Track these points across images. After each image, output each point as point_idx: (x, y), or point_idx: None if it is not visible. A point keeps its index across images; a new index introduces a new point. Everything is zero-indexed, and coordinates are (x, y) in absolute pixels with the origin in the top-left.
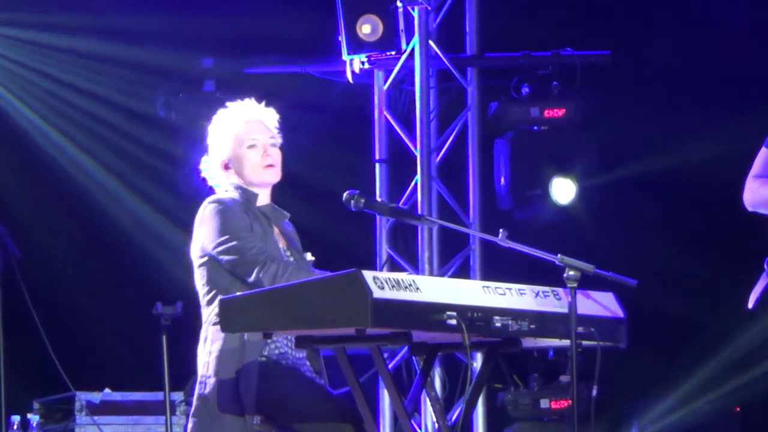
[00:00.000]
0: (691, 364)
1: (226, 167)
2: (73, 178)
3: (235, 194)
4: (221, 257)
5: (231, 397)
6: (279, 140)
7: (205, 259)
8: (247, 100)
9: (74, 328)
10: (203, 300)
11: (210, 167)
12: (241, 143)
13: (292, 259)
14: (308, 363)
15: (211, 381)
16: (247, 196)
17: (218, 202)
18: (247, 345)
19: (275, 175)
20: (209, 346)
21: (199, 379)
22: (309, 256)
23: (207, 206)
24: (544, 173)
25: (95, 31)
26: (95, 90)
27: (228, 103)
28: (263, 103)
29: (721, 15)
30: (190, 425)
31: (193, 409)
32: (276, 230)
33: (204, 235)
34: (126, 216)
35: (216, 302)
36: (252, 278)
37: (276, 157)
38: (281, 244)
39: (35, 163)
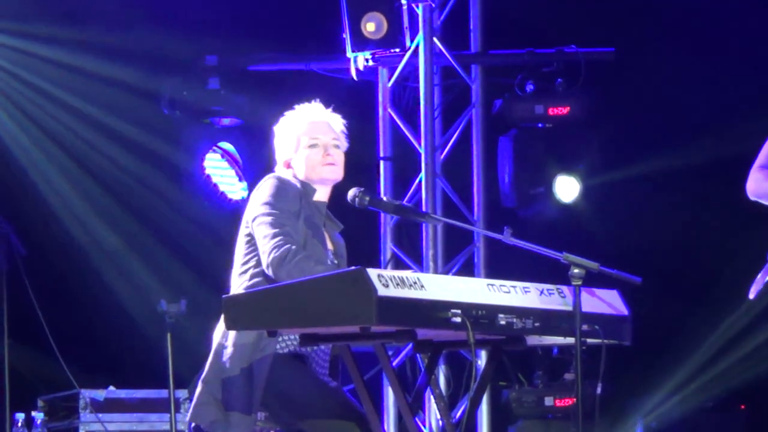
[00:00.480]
0: (693, 360)
1: (288, 166)
2: (75, 176)
3: (296, 182)
4: (255, 228)
5: (240, 393)
6: (344, 144)
7: (250, 230)
8: (314, 102)
9: (78, 326)
10: (237, 269)
11: (277, 166)
12: (304, 142)
13: (336, 262)
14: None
15: (228, 351)
16: (306, 189)
17: (278, 179)
18: (263, 337)
19: (335, 173)
20: (219, 338)
21: (215, 347)
22: None
23: (266, 180)
24: (547, 171)
25: (98, 28)
26: (99, 86)
27: (296, 105)
28: (330, 109)
29: (726, 13)
30: (198, 389)
31: (204, 374)
32: (326, 233)
33: (254, 206)
34: (129, 213)
35: (247, 274)
36: (267, 258)
37: (338, 157)
38: (330, 246)
39: (38, 165)
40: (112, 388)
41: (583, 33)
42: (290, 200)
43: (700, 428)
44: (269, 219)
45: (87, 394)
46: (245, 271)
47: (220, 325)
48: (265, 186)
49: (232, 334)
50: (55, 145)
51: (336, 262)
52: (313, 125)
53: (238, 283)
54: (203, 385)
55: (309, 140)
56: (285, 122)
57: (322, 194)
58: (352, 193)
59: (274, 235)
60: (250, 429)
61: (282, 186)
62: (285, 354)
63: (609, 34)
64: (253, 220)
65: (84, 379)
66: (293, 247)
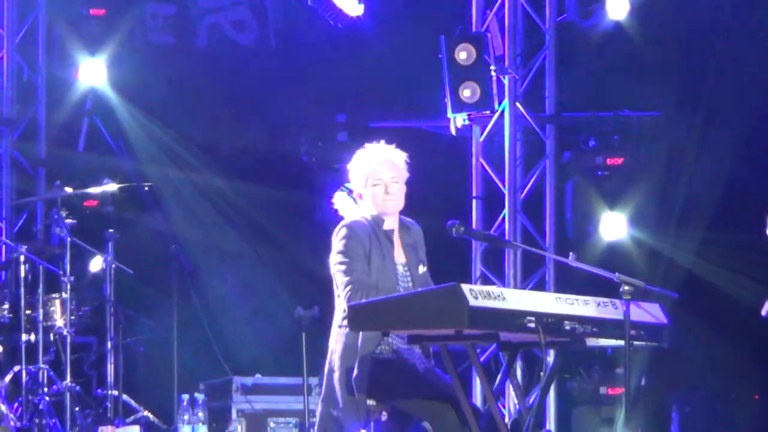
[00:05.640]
0: (723, 361)
1: (361, 197)
2: (233, 209)
3: (364, 219)
4: (334, 274)
5: (350, 386)
6: (404, 175)
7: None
8: (380, 143)
9: (233, 326)
10: (336, 301)
11: (354, 193)
12: (370, 181)
13: (408, 273)
14: (418, 350)
15: (336, 375)
16: (375, 222)
17: (346, 227)
18: (362, 343)
19: (395, 206)
20: (332, 345)
21: (326, 371)
22: (421, 268)
23: (339, 229)
24: (598, 212)
25: (249, 89)
26: (248, 139)
27: (366, 144)
28: (393, 146)
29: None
30: (319, 408)
31: (321, 395)
32: (398, 248)
33: (333, 250)
34: (275, 237)
35: (339, 308)
36: (344, 303)
37: (396, 192)
38: (400, 260)
39: (198, 197)
40: (258, 375)
41: (635, 98)
42: (359, 243)
43: (722, 415)
44: (342, 268)
45: (239, 380)
46: (338, 304)
47: (329, 352)
48: (337, 236)
49: (336, 362)
50: (209, 190)
51: (407, 274)
52: (378, 165)
53: (336, 314)
54: (323, 405)
55: (373, 180)
56: (357, 161)
57: (391, 222)
58: (450, 224)
59: (347, 284)
60: (362, 414)
61: (351, 233)
62: (383, 353)
63: (657, 100)
64: (333, 266)
65: (236, 368)
66: (361, 292)
